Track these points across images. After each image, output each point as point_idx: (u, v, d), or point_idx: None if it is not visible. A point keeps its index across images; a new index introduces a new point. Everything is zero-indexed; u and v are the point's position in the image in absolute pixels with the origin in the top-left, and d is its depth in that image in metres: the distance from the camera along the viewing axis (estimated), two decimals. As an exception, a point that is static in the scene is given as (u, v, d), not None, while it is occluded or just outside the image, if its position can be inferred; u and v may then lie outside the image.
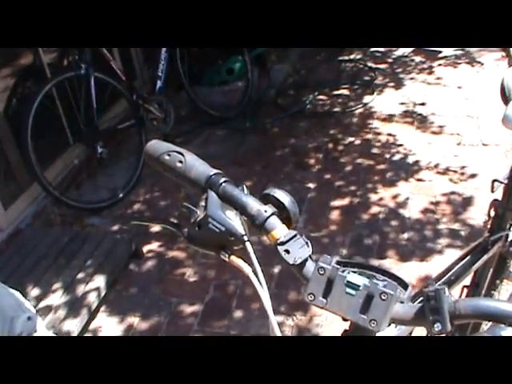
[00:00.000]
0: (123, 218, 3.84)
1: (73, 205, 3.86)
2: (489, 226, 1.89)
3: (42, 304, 2.98)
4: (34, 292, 3.06)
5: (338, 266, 0.80)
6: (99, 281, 3.14)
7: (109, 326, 3.05)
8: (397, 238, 3.42)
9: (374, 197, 3.82)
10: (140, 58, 5.34)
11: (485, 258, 1.84)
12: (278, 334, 0.84)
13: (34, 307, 2.90)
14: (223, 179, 0.95)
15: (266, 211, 0.89)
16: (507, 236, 1.92)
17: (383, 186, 3.94)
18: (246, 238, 0.89)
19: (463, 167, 4.04)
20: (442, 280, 1.67)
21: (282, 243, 0.86)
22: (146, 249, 3.57)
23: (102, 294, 3.14)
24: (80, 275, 3.17)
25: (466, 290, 2.01)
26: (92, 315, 3.06)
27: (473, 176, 3.92)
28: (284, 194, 0.93)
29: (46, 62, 4.12)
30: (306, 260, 0.84)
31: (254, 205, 0.91)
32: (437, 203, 3.70)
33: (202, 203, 0.92)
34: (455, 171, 4.00)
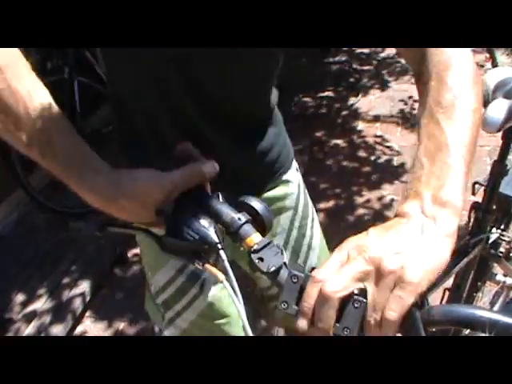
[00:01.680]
0: (108, 223, 3.81)
1: (57, 210, 3.82)
2: (469, 229, 1.91)
3: (27, 310, 2.97)
4: (19, 298, 3.05)
5: (311, 274, 0.78)
6: (84, 286, 3.12)
7: (95, 331, 3.03)
8: (382, 240, 3.39)
9: (359, 199, 3.82)
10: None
11: (465, 260, 1.85)
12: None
13: (19, 313, 2.90)
14: (198, 186, 0.95)
15: (239, 219, 0.89)
16: (488, 238, 1.93)
17: (368, 189, 3.94)
18: (219, 246, 0.88)
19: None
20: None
21: (256, 251, 0.85)
22: (130, 253, 3.54)
23: (87, 299, 3.13)
24: (65, 280, 3.16)
25: (447, 293, 2.02)
26: (77, 320, 3.05)
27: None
28: (258, 202, 0.93)
29: (28, 65, 4.08)
30: (280, 268, 0.83)
31: (227, 212, 0.90)
32: (422, 205, 3.69)
33: (177, 210, 0.92)
34: (440, 172, 4.00)
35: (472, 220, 1.92)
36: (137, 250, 3.55)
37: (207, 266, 0.89)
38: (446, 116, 0.88)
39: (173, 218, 0.91)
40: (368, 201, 3.80)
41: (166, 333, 1.47)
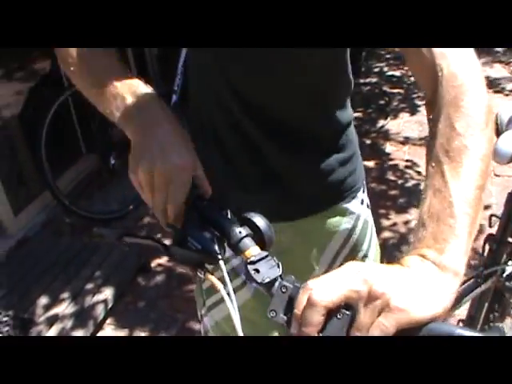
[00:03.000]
0: (133, 230, 3.82)
1: (83, 215, 3.85)
2: (484, 260, 1.91)
3: (49, 313, 2.98)
4: (41, 300, 3.06)
5: (299, 285, 0.81)
6: (107, 293, 3.13)
7: (114, 338, 3.03)
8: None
9: (385, 222, 3.81)
10: (156, 71, 5.35)
11: (477, 291, 1.84)
12: None
13: (41, 316, 2.91)
14: (205, 201, 1.02)
15: (240, 232, 0.94)
16: (503, 270, 1.92)
17: (395, 212, 3.92)
18: (219, 256, 0.94)
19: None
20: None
21: (252, 262, 0.89)
22: (154, 263, 3.55)
23: (109, 305, 3.13)
24: (88, 286, 3.17)
25: (461, 324, 2.00)
26: (98, 327, 3.05)
27: (484, 206, 3.88)
28: (260, 218, 0.97)
29: (63, 69, 4.12)
30: (275, 280, 0.86)
31: (230, 226, 0.95)
32: (448, 231, 3.66)
33: (184, 222, 0.99)
34: (467, 200, 3.97)
35: (486, 252, 1.92)
36: (161, 260, 3.56)
37: (208, 274, 0.95)
38: (452, 167, 0.89)
39: (181, 229, 0.98)
40: (394, 224, 3.78)
41: (205, 320, 1.50)
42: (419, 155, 4.61)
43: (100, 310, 3.03)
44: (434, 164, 0.91)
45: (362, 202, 1.48)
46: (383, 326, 0.73)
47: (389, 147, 4.82)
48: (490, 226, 1.92)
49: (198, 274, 0.95)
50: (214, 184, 1.19)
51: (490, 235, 1.90)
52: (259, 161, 1.32)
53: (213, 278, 0.93)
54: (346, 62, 1.31)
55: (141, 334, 3.03)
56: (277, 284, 0.85)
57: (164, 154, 1.00)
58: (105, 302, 3.08)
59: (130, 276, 3.38)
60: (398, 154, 4.69)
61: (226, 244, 0.96)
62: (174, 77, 4.48)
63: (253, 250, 0.91)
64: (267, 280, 0.85)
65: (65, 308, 3.01)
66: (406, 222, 3.79)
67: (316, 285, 0.77)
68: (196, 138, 1.41)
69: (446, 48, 1.00)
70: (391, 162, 4.58)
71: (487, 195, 3.97)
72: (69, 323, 2.91)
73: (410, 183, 4.26)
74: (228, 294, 0.91)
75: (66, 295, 3.10)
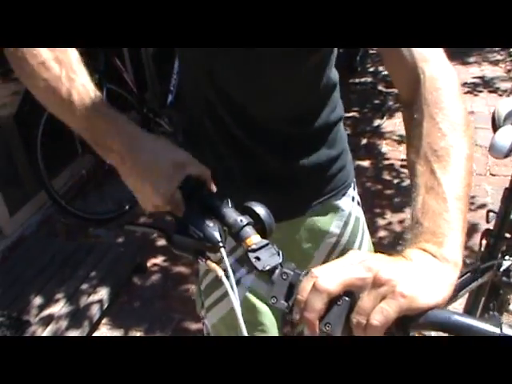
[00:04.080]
0: (128, 230, 3.82)
1: (78, 215, 3.84)
2: (480, 255, 1.93)
3: (44, 313, 2.97)
4: (37, 301, 3.05)
5: (300, 272, 0.84)
6: (102, 293, 3.12)
7: (110, 339, 3.03)
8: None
9: (381, 221, 3.80)
10: (152, 70, 5.34)
11: (473, 285, 1.85)
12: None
13: (36, 316, 2.91)
14: (206, 191, 1.05)
15: (241, 221, 0.96)
16: (500, 265, 1.93)
17: (391, 211, 3.93)
18: (220, 244, 0.95)
19: (471, 196, 4.00)
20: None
21: (253, 250, 0.91)
22: (150, 263, 3.56)
23: (105, 306, 3.13)
24: (83, 286, 3.16)
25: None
26: (94, 327, 3.05)
27: (479, 205, 3.90)
28: (261, 207, 0.99)
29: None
30: (275, 267, 0.87)
31: (231, 215, 0.97)
32: (444, 230, 3.66)
33: (186, 211, 1.01)
34: (463, 199, 3.97)
35: (483, 247, 1.93)
36: (156, 260, 3.56)
37: (209, 262, 0.96)
38: (442, 166, 0.93)
39: (182, 218, 1.00)
40: (389, 223, 3.78)
41: (206, 321, 1.50)
42: (415, 155, 4.59)
43: (95, 311, 3.03)
44: (422, 163, 0.95)
45: (353, 200, 1.50)
46: (385, 310, 0.74)
47: (384, 147, 4.82)
48: (488, 222, 1.93)
49: (199, 261, 0.97)
50: None
51: (488, 230, 1.91)
52: (251, 163, 1.33)
53: (213, 265, 0.95)
54: (329, 62, 1.33)
55: (136, 334, 3.03)
56: (277, 271, 0.86)
57: (151, 188, 1.04)
58: (100, 302, 3.07)
59: (125, 276, 3.38)
60: (393, 153, 4.69)
61: (226, 233, 0.98)
62: (170, 76, 4.49)
63: (254, 238, 0.93)
64: (268, 267, 0.87)
65: (60, 308, 3.01)
66: (402, 221, 3.79)
67: (321, 272, 0.79)
68: (191, 139, 1.41)
69: (425, 50, 1.04)
70: (387, 162, 4.58)
71: (483, 194, 3.99)
72: (64, 323, 2.91)
73: (406, 183, 4.25)
74: (233, 284, 0.92)
75: (61, 295, 3.10)
